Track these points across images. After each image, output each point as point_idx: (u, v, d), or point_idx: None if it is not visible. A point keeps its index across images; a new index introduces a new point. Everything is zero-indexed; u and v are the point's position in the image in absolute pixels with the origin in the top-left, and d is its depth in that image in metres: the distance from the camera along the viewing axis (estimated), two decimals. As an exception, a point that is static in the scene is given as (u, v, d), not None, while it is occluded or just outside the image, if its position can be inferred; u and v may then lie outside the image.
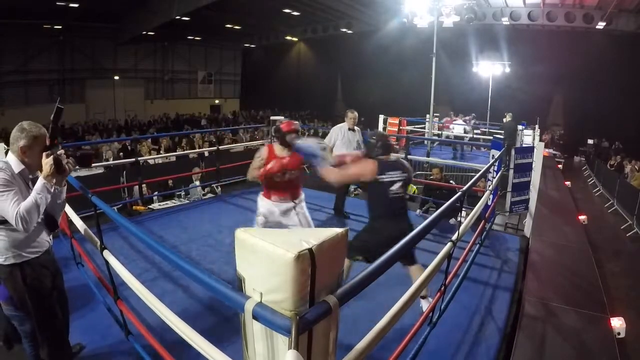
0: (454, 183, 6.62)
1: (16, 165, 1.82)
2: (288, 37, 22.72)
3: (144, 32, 17.19)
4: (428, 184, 5.85)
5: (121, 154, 10.17)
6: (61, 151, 1.81)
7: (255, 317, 1.10)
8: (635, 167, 11.50)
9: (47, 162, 1.74)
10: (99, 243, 2.15)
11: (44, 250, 1.95)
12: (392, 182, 2.72)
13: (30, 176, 1.89)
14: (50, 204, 1.80)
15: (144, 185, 5.44)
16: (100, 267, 2.38)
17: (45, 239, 1.97)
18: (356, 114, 5.00)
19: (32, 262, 1.88)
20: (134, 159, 5.29)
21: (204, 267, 3.37)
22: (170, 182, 6.85)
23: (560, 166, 13.01)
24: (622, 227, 7.86)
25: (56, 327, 1.99)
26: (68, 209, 2.69)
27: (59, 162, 1.76)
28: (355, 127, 4.96)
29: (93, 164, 6.18)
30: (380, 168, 2.73)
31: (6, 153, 1.86)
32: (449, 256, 2.25)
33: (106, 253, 2.11)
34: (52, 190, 1.77)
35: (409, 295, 1.73)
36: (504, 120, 10.61)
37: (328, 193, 5.37)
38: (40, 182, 1.75)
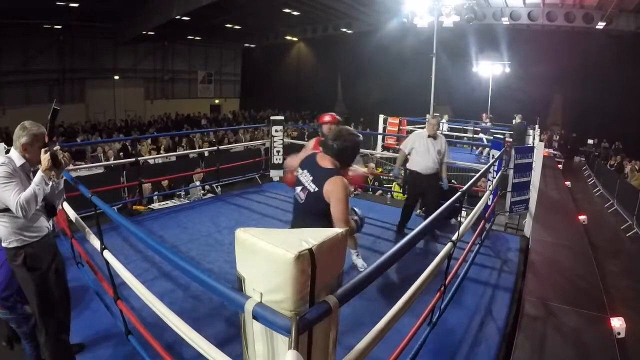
0: (456, 183, 6.60)
1: (18, 160, 2.03)
2: (288, 37, 22.71)
3: (144, 32, 17.17)
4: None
5: (121, 154, 10.17)
6: (57, 147, 2.04)
7: (255, 317, 1.10)
8: (635, 167, 11.49)
9: (45, 158, 1.95)
10: (99, 243, 2.15)
11: (44, 235, 2.12)
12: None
13: (32, 169, 2.09)
14: (50, 193, 2.02)
15: (147, 185, 5.41)
16: (101, 267, 2.38)
17: (44, 225, 2.14)
18: (438, 119, 4.46)
19: (33, 245, 2.05)
20: (134, 159, 5.29)
21: (204, 267, 3.38)
22: (165, 183, 6.74)
23: (560, 166, 13.01)
24: (622, 227, 7.85)
25: (57, 312, 2.09)
26: (68, 209, 2.69)
27: (55, 156, 1.98)
28: (438, 134, 4.36)
29: (93, 164, 6.20)
30: None
31: (7, 152, 2.07)
32: (449, 256, 2.25)
33: (106, 253, 2.11)
34: (49, 182, 1.98)
35: (409, 295, 1.73)
36: (514, 121, 10.72)
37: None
38: (38, 175, 1.96)
